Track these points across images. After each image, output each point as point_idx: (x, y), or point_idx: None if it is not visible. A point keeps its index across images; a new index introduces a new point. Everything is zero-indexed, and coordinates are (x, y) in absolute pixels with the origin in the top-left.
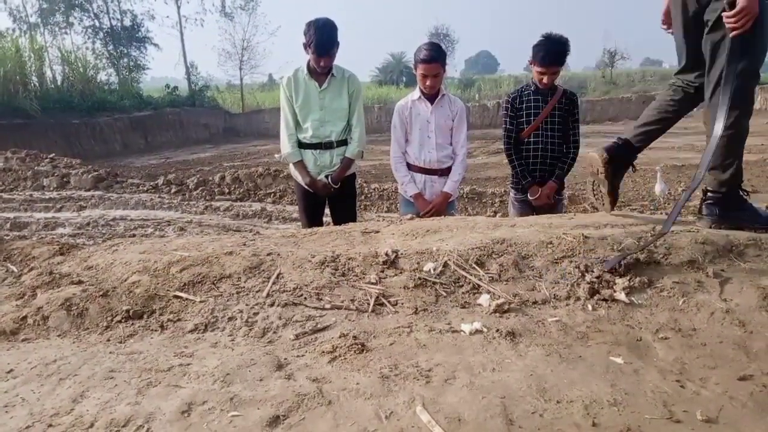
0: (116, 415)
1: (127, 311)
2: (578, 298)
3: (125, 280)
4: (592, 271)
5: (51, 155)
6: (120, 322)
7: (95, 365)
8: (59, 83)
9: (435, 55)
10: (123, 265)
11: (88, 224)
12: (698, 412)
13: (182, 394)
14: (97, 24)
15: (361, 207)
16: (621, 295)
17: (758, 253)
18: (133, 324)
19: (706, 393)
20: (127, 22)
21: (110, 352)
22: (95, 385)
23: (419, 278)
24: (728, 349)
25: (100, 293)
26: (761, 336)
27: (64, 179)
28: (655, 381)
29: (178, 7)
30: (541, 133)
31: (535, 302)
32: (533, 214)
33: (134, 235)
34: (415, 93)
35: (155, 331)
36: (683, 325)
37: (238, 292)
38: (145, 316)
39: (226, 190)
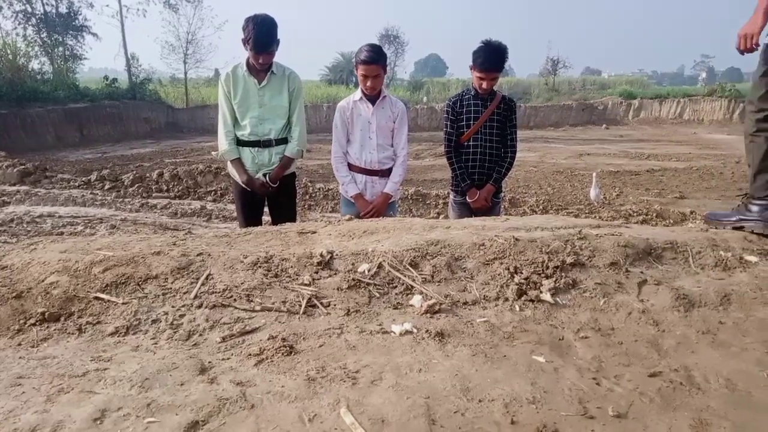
0: (20, 425)
1: (43, 314)
2: (507, 299)
3: (42, 281)
4: (521, 273)
5: None
6: (34, 325)
7: (1, 371)
8: None
9: (375, 56)
10: (41, 265)
11: (11, 221)
12: (610, 408)
13: (96, 400)
14: (29, 9)
15: (306, 207)
16: (547, 296)
17: (674, 256)
18: (48, 327)
19: (619, 389)
20: (63, 9)
21: (20, 357)
22: (0, 393)
23: (353, 279)
24: (642, 347)
25: (14, 294)
26: (672, 334)
27: None
28: (573, 379)
29: None
30: (480, 138)
31: (465, 303)
32: (472, 216)
33: (62, 233)
34: (357, 93)
35: (72, 334)
36: (603, 325)
37: (164, 294)
38: (62, 319)
39: (165, 188)
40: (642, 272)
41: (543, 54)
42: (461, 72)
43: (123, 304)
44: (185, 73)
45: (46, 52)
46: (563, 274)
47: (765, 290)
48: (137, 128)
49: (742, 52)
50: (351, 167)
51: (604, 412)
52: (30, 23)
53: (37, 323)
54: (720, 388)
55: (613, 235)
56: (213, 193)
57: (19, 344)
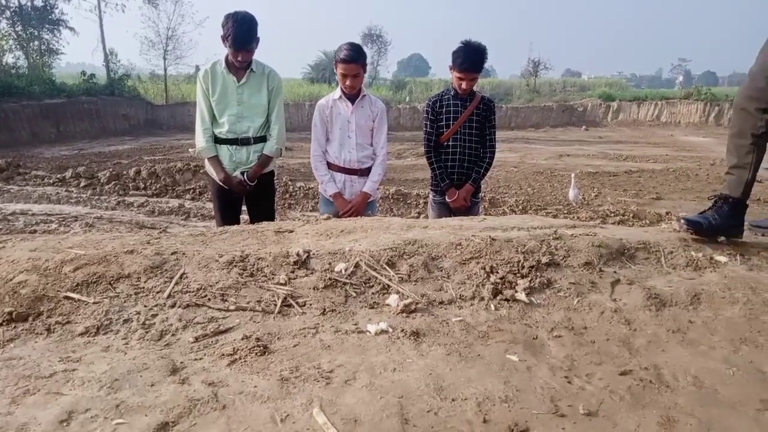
0: None
1: (10, 313)
2: (482, 299)
3: (10, 280)
4: (497, 272)
5: None
6: (0, 325)
7: None
8: None
9: (354, 55)
10: (9, 264)
11: None
12: (581, 406)
13: (63, 401)
14: (3, 2)
15: (286, 205)
16: (522, 295)
17: (647, 256)
18: (15, 327)
19: (590, 388)
20: (39, 3)
21: None
22: None
23: (330, 279)
24: (613, 346)
25: None
26: (643, 333)
27: None
28: (545, 377)
29: None
30: (459, 138)
31: (441, 302)
32: (451, 216)
33: (35, 231)
34: (337, 92)
35: (40, 334)
36: (576, 324)
37: (136, 293)
38: (30, 319)
39: (142, 185)
40: (615, 272)
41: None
42: (444, 72)
43: (94, 303)
44: (165, 70)
45: (20, 46)
46: (538, 273)
47: (733, 290)
48: (115, 125)
49: None
50: (330, 166)
51: (574, 410)
52: (4, 16)
53: (4, 323)
54: (688, 385)
55: (587, 235)
56: (191, 191)
57: None
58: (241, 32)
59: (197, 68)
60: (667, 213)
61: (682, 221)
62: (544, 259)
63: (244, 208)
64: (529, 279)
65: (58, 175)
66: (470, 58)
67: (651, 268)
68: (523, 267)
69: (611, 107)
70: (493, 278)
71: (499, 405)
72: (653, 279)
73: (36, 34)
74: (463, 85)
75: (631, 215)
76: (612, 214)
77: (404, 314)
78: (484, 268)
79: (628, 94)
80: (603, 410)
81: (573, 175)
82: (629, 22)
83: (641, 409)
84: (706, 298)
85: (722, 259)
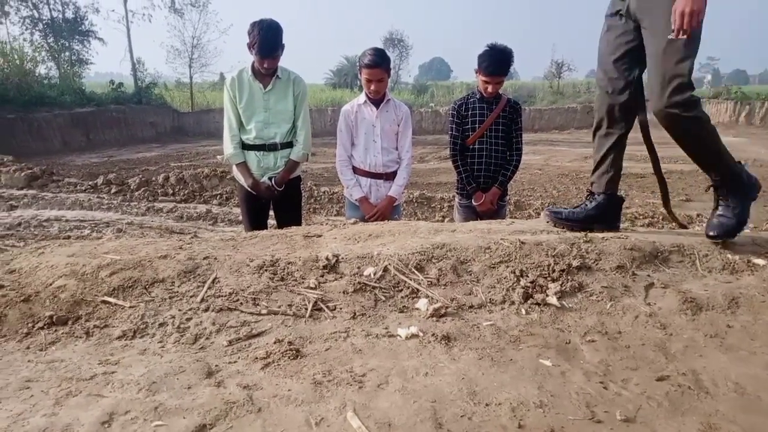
0: (29, 428)
1: (51, 317)
2: (513, 303)
3: (50, 285)
4: (527, 276)
5: None
6: (42, 328)
7: (10, 375)
8: None
9: (378, 60)
10: (49, 269)
11: (19, 225)
12: (618, 412)
13: (104, 404)
14: (36, 15)
15: (311, 210)
16: (553, 299)
17: (681, 259)
18: (56, 331)
19: (626, 393)
20: (69, 14)
21: (29, 361)
22: (8, 396)
23: (359, 283)
24: (649, 350)
25: (22, 298)
26: (680, 338)
27: None
28: (580, 383)
29: (125, 1)
30: (485, 141)
31: (471, 306)
32: (477, 219)
33: (69, 237)
34: (361, 97)
35: (80, 338)
36: (609, 328)
37: (171, 297)
38: (69, 323)
39: (170, 191)
40: (649, 275)
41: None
42: (466, 75)
43: (130, 307)
44: (190, 77)
45: (52, 57)
46: (569, 277)
47: None
48: (143, 132)
49: (684, 33)
50: (356, 170)
51: (611, 416)
52: (37, 28)
53: (45, 327)
54: (729, 392)
55: (619, 238)
56: (218, 196)
57: (28, 347)
58: (267, 40)
59: (221, 75)
60: (698, 215)
61: (710, 234)
62: (575, 263)
63: (271, 213)
64: (560, 283)
65: (90, 182)
66: (496, 61)
67: (686, 271)
68: (553, 270)
69: None
70: (523, 282)
71: (533, 410)
72: (688, 282)
73: (67, 45)
74: (489, 88)
75: (661, 217)
76: (641, 217)
77: (434, 318)
78: (514, 272)
79: None
80: (641, 416)
81: None
82: None
83: (680, 415)
84: (745, 301)
85: (760, 261)
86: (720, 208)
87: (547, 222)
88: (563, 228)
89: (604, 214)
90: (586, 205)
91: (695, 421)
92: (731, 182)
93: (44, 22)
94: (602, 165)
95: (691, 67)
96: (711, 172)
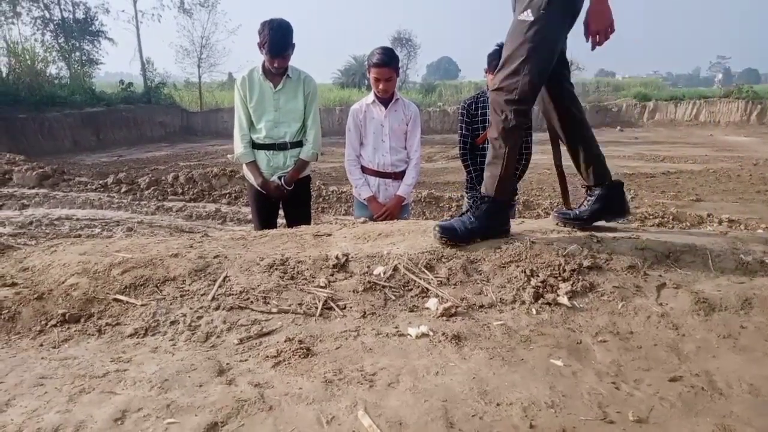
0: (43, 424)
1: (63, 315)
2: (523, 302)
3: (63, 283)
4: (538, 276)
5: None
6: (55, 326)
7: (24, 372)
8: (5, 76)
9: (387, 59)
10: (61, 267)
11: (30, 223)
12: (630, 412)
13: (116, 401)
14: (47, 15)
15: (319, 209)
16: (564, 299)
17: (693, 259)
18: (68, 328)
19: (638, 394)
20: (80, 15)
21: (42, 358)
22: (23, 392)
23: (369, 282)
24: (661, 351)
25: (35, 296)
26: (692, 338)
27: (6, 176)
28: (591, 383)
29: (135, 2)
30: None
31: (481, 306)
32: None
33: (80, 236)
34: (370, 96)
35: (92, 335)
36: (621, 329)
37: (182, 296)
38: (82, 320)
39: (180, 191)
40: (660, 275)
41: None
42: (473, 74)
43: (141, 305)
44: (199, 77)
45: (63, 57)
46: (580, 277)
47: None
48: (152, 132)
49: (593, 47)
50: (364, 170)
51: (624, 416)
52: (48, 29)
53: (58, 324)
54: (743, 393)
55: (630, 238)
56: (227, 195)
57: (41, 345)
58: (277, 39)
59: (230, 75)
60: (708, 215)
61: (436, 229)
62: (586, 263)
63: (281, 212)
64: (571, 282)
65: (100, 182)
66: None
67: (698, 271)
68: (564, 270)
69: (647, 107)
70: (533, 282)
71: (545, 410)
72: (701, 283)
73: (77, 45)
74: None
75: (671, 217)
76: (650, 217)
77: (444, 318)
78: (524, 272)
79: (664, 94)
80: (654, 417)
81: None
82: (664, 20)
83: (694, 416)
84: (759, 302)
85: None
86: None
87: (557, 223)
88: (573, 227)
89: (609, 204)
90: (588, 200)
91: (709, 423)
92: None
93: (55, 22)
94: (578, 160)
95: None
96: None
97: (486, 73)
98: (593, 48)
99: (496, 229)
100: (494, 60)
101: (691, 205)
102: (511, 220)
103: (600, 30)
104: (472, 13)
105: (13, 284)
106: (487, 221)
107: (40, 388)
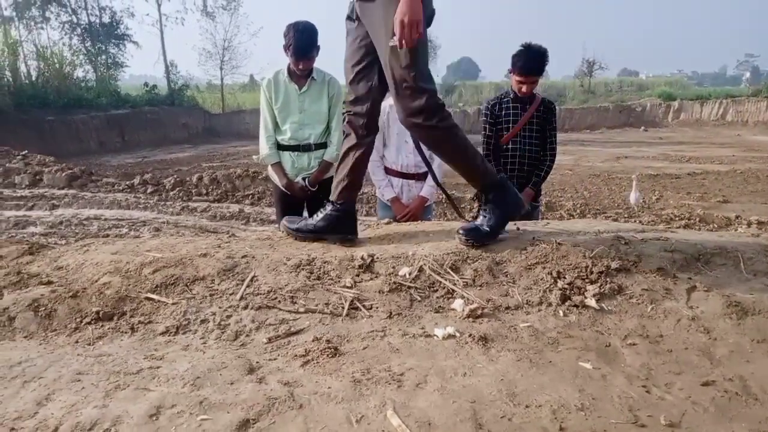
0: (82, 419)
1: (97, 313)
2: (550, 304)
3: (96, 281)
4: (564, 278)
5: (24, 152)
6: (89, 323)
7: (62, 367)
8: (34, 79)
9: None
10: (94, 266)
11: (60, 223)
12: (662, 416)
13: (151, 397)
14: (75, 20)
15: None
16: (591, 302)
17: (724, 262)
18: (102, 326)
19: (670, 398)
20: (106, 19)
21: (78, 354)
22: (61, 387)
23: (394, 282)
24: (693, 355)
25: (70, 294)
26: (724, 342)
27: (37, 177)
28: (622, 386)
29: (159, 5)
30: (519, 141)
31: (507, 308)
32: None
33: (108, 235)
34: None
35: (125, 333)
36: (651, 332)
37: (211, 295)
38: (115, 318)
39: (204, 191)
40: (690, 278)
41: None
42: (494, 75)
43: (172, 304)
44: (221, 79)
45: (89, 61)
46: (608, 279)
47: None
48: (176, 133)
49: (405, 43)
50: (387, 171)
51: (655, 420)
52: (75, 33)
53: (93, 322)
54: None
55: (659, 239)
56: (251, 196)
57: (77, 342)
58: (302, 42)
59: (252, 77)
60: (736, 217)
61: (460, 233)
62: (614, 265)
63: (305, 213)
64: (598, 285)
65: (127, 182)
66: (532, 61)
67: (729, 274)
68: (591, 272)
69: (672, 107)
70: (560, 284)
71: (575, 413)
72: (732, 286)
73: (103, 48)
74: (524, 88)
75: (697, 219)
76: (676, 218)
77: (470, 319)
78: (551, 273)
79: (689, 93)
80: (686, 422)
81: (635, 177)
82: (689, 18)
83: (728, 422)
84: None
85: None
86: (480, 216)
87: (283, 232)
88: (296, 238)
89: (335, 225)
90: (319, 214)
91: (744, 428)
92: (492, 196)
93: (82, 26)
94: (341, 173)
95: (421, 71)
96: (472, 183)
97: (510, 73)
98: (400, 45)
99: (511, 210)
100: (518, 61)
101: (718, 207)
102: (539, 221)
103: (405, 21)
104: (493, 13)
105: (49, 282)
106: (500, 209)
107: (77, 383)
